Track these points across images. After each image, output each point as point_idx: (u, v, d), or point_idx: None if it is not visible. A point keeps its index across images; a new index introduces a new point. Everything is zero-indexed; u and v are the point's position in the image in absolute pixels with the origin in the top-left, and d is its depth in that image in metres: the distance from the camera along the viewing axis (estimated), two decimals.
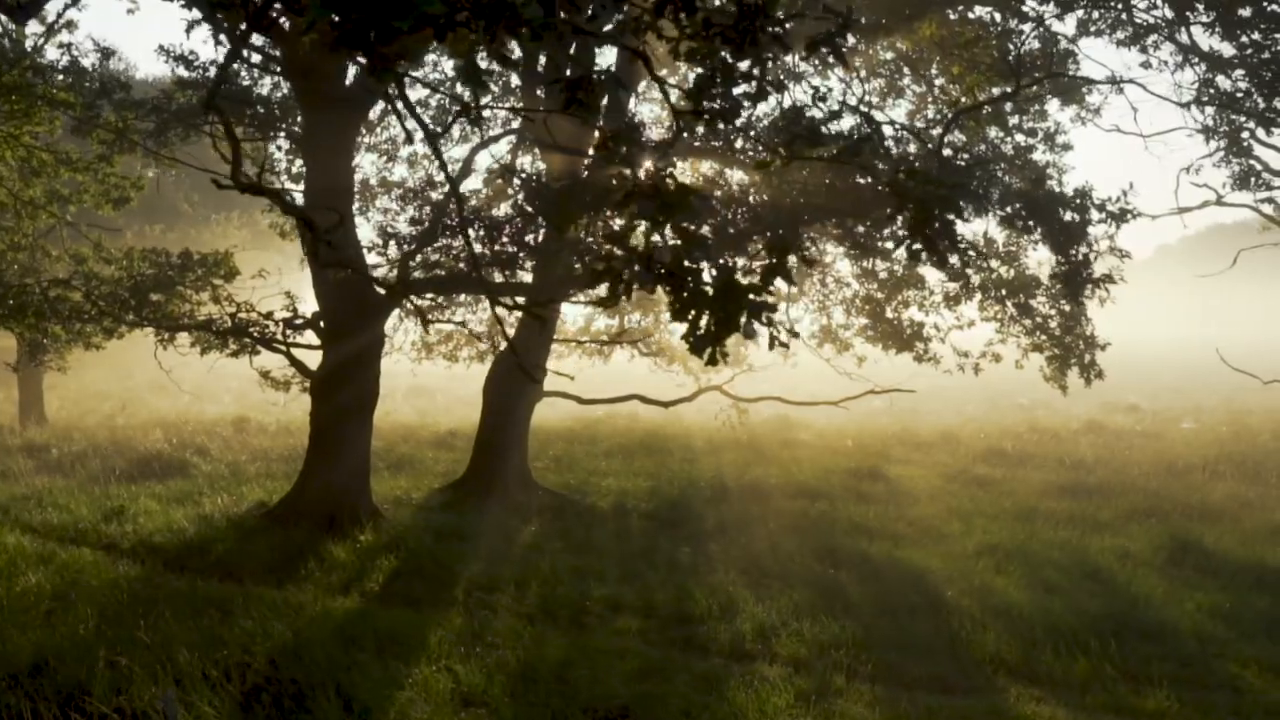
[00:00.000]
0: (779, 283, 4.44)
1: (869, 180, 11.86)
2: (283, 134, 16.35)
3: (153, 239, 33.47)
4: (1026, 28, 15.36)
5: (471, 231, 13.62)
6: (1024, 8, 15.26)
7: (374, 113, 16.49)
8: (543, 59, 14.41)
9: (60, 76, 15.66)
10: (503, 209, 16.41)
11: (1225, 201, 19.68)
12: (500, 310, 10.13)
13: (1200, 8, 15.36)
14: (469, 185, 19.46)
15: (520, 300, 12.48)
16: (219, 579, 10.30)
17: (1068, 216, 13.48)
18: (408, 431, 23.58)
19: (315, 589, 10.09)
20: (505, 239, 13.85)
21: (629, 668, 7.79)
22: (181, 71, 15.88)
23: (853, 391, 18.21)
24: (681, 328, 4.19)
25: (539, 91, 14.85)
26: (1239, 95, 15.98)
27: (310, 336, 13.83)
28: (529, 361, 14.96)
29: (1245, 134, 17.21)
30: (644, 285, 4.00)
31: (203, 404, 32.03)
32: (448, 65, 17.70)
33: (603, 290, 4.39)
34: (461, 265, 14.10)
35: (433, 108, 18.03)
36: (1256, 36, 14.86)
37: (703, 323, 3.95)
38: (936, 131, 14.94)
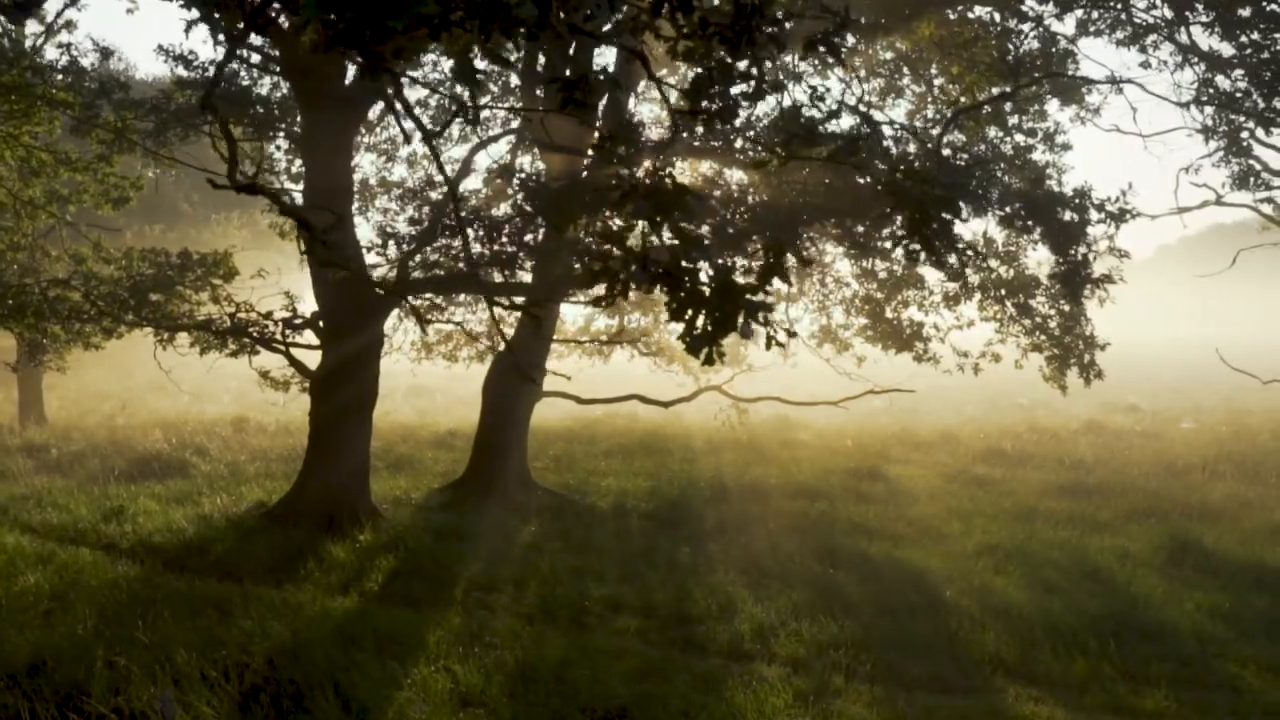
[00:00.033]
0: (778, 283, 4.44)
1: (868, 180, 11.86)
2: (282, 134, 16.35)
3: (152, 239, 33.47)
4: (1026, 27, 15.38)
5: (471, 231, 13.62)
6: (1023, 7, 15.27)
7: (373, 113, 16.49)
8: (543, 59, 14.41)
9: (59, 76, 15.67)
10: (502, 209, 16.41)
11: (1225, 201, 19.71)
12: (498, 310, 10.13)
13: (1200, 7, 15.36)
14: (469, 185, 19.49)
15: (517, 300, 12.48)
16: (218, 579, 10.31)
17: (1067, 216, 13.48)
18: (407, 431, 23.58)
19: (314, 589, 10.09)
20: (504, 239, 13.85)
21: (628, 668, 7.79)
22: (181, 71, 15.89)
23: (852, 391, 18.21)
24: (679, 327, 4.19)
25: (539, 91, 14.85)
26: (1238, 95, 15.97)
27: (309, 336, 13.83)
28: (528, 361, 14.97)
29: (1244, 134, 17.21)
30: (640, 285, 4.00)
31: (202, 404, 32.02)
32: (447, 65, 17.70)
33: (601, 290, 4.39)
34: (461, 265, 14.09)
35: (432, 108, 18.05)
36: (1256, 36, 14.86)
37: (699, 322, 3.95)
38: (936, 131, 14.94)
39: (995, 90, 15.28)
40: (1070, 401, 20.66)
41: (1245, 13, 14.66)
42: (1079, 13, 16.03)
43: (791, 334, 4.59)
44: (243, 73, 15.79)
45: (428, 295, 15.63)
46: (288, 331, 13.71)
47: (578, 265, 13.24)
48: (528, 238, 14.05)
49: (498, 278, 14.30)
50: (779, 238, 12.01)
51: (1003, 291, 16.01)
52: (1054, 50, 15.36)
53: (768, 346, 4.25)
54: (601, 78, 4.27)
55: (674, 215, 3.98)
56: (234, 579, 10.34)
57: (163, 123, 15.84)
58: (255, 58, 14.90)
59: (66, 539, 12.03)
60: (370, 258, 14.32)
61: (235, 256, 14.89)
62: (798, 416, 25.01)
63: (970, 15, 15.73)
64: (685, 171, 16.65)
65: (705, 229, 12.81)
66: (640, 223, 4.18)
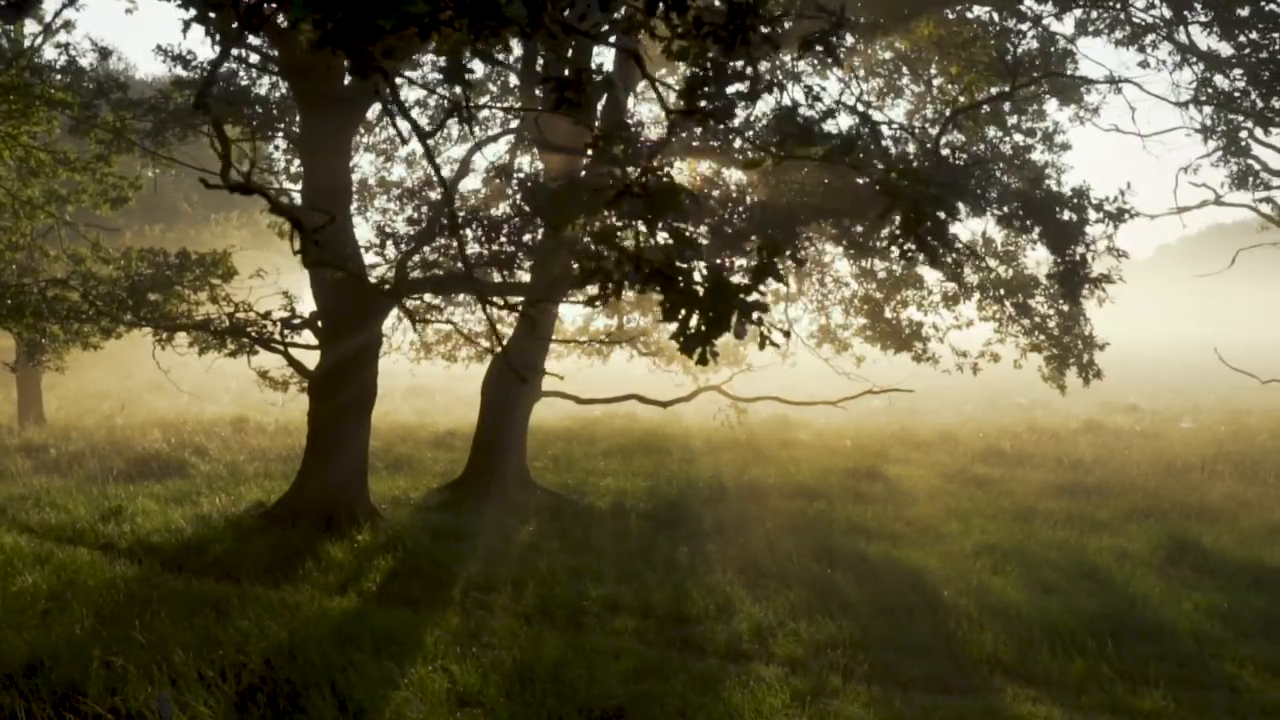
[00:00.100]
0: (776, 283, 4.44)
1: (866, 180, 11.86)
2: (281, 134, 16.35)
3: (151, 239, 33.47)
4: (1024, 27, 15.37)
5: (469, 231, 13.61)
6: (1022, 7, 15.27)
7: (372, 113, 16.49)
8: (541, 59, 14.41)
9: (58, 76, 15.67)
10: (501, 209, 16.41)
11: (1224, 201, 19.72)
12: (494, 310, 10.11)
13: (1198, 7, 15.36)
14: (467, 185, 19.46)
15: (512, 300, 12.47)
16: (216, 579, 10.30)
17: (1065, 216, 13.48)
18: (406, 431, 23.57)
19: (312, 589, 10.08)
20: (503, 239, 13.85)
21: (625, 668, 7.79)
22: (179, 71, 15.91)
23: (851, 391, 18.20)
24: (674, 327, 4.18)
25: (537, 91, 14.84)
26: (1237, 95, 15.97)
27: (308, 336, 13.83)
28: (524, 361, 14.95)
29: (1243, 133, 17.21)
30: (634, 285, 4.00)
31: (201, 404, 32.00)
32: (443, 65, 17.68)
33: (596, 290, 4.39)
34: (458, 265, 14.09)
35: (431, 108, 18.03)
36: (1254, 36, 14.87)
37: (693, 322, 3.95)
38: (935, 131, 14.94)
39: (994, 90, 15.28)
40: (1069, 401, 20.67)
41: (1244, 12, 14.67)
42: (1078, 12, 16.05)
43: (786, 334, 4.59)
44: (241, 73, 15.79)
45: (425, 295, 15.64)
46: (286, 331, 13.71)
47: (575, 265, 13.23)
48: (526, 237, 14.05)
49: (496, 277, 14.30)
50: (777, 238, 12.02)
51: (1002, 291, 16.02)
52: (1053, 50, 15.36)
53: (761, 346, 4.25)
54: (598, 77, 4.27)
55: (668, 215, 3.97)
56: (232, 579, 10.33)
57: (161, 123, 15.85)
58: (254, 58, 14.92)
59: (64, 539, 12.03)
60: (369, 257, 14.34)
61: (234, 256, 14.89)
62: (797, 416, 25.01)
63: (969, 15, 15.74)
64: (683, 171, 16.65)
65: (703, 229, 12.82)
66: (635, 222, 4.18)
